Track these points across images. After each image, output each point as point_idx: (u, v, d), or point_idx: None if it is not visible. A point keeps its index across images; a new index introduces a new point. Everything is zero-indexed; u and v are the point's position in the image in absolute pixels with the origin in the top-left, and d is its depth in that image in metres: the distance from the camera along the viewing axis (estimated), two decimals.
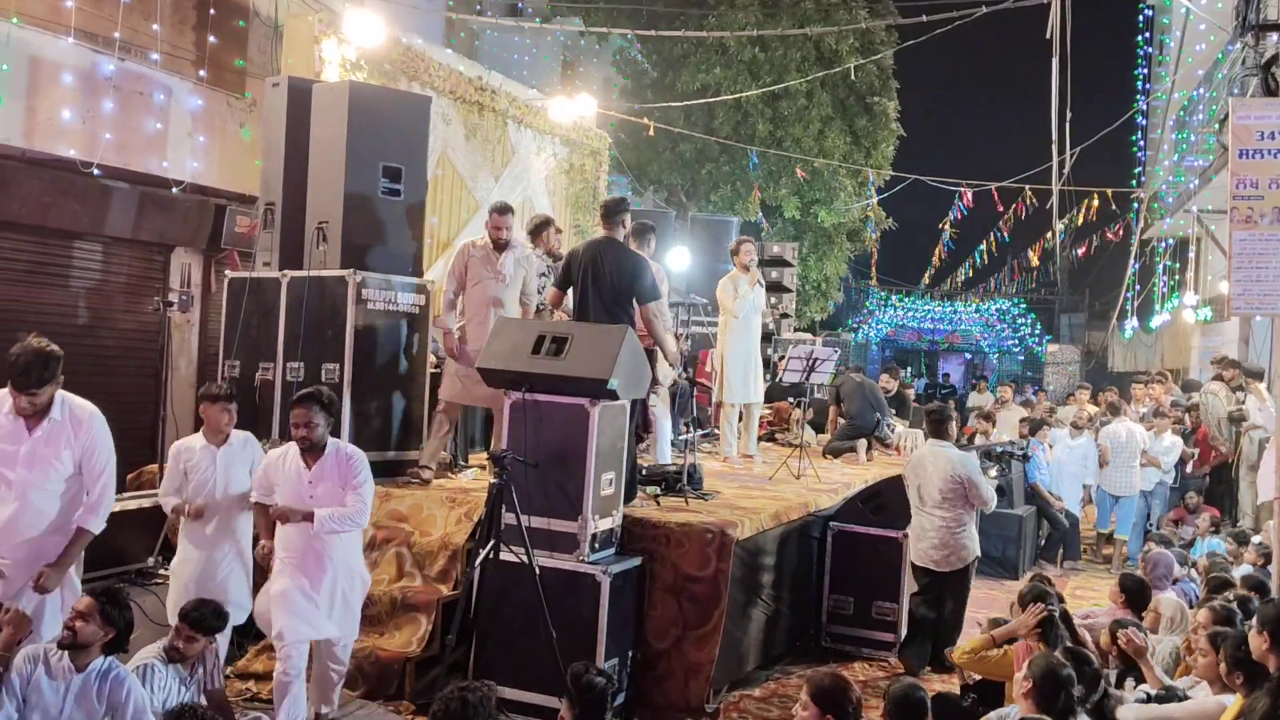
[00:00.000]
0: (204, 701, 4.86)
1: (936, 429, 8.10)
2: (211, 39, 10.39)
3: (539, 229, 8.71)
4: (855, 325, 35.90)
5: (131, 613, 4.76)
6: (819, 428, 11.96)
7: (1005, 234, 21.36)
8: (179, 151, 9.84)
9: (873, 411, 10.83)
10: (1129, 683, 5.62)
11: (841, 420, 11.07)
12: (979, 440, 12.82)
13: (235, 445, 6.06)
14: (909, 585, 8.15)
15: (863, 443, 10.73)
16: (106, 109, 9.15)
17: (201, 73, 10.25)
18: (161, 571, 6.64)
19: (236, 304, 7.83)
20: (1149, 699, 5.28)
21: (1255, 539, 9.39)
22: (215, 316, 9.66)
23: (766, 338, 11.48)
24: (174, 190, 9.79)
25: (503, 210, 7.70)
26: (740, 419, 9.98)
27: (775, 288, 13.26)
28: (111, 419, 5.42)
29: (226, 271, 8.43)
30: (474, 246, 7.67)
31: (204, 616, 5.02)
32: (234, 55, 10.59)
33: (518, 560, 5.92)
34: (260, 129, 8.96)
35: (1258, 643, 4.33)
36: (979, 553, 7.99)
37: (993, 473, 10.63)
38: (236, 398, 6.19)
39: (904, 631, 8.10)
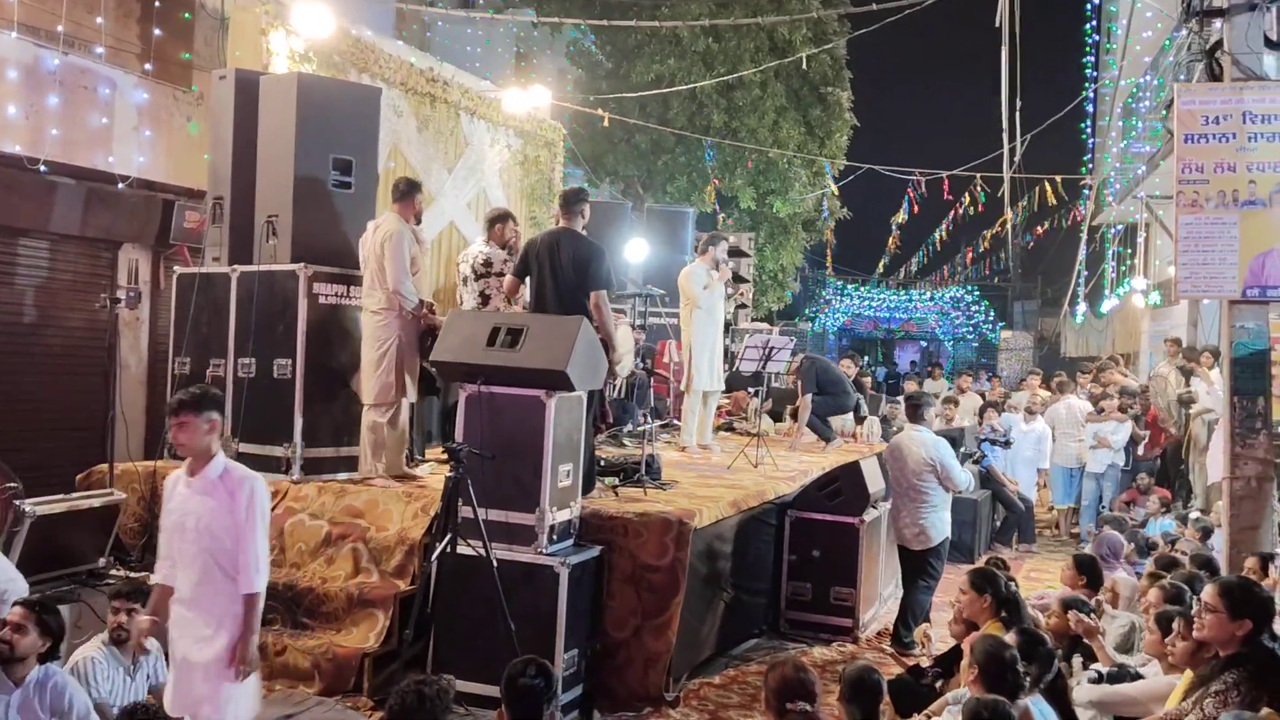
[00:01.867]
0: (150, 699, 4.79)
1: (913, 414, 8.32)
2: (156, 32, 10.21)
3: (495, 222, 8.63)
4: (812, 315, 36.06)
5: (62, 619, 4.68)
6: (777, 416, 12.00)
7: (958, 221, 21.55)
8: (125, 146, 9.68)
9: (851, 394, 10.99)
10: (1076, 658, 5.70)
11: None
12: (937, 425, 12.94)
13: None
14: (871, 570, 8.28)
15: (845, 419, 10.91)
16: (51, 104, 8.98)
17: (147, 66, 10.08)
18: (113, 572, 6.55)
19: (186, 300, 7.73)
20: (1101, 678, 5.36)
21: (1193, 515, 9.57)
22: (165, 313, 9.51)
23: (725, 328, 11.48)
24: (120, 186, 9.63)
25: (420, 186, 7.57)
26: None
27: (733, 278, 13.27)
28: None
29: (175, 267, 8.31)
30: (406, 233, 7.20)
31: (137, 590, 5.00)
32: (180, 48, 10.42)
33: (475, 553, 5.89)
34: (207, 122, 8.84)
35: (1212, 620, 4.38)
36: (948, 534, 8.16)
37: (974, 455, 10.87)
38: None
39: (864, 616, 8.20)
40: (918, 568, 7.98)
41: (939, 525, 7.98)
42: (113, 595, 5.06)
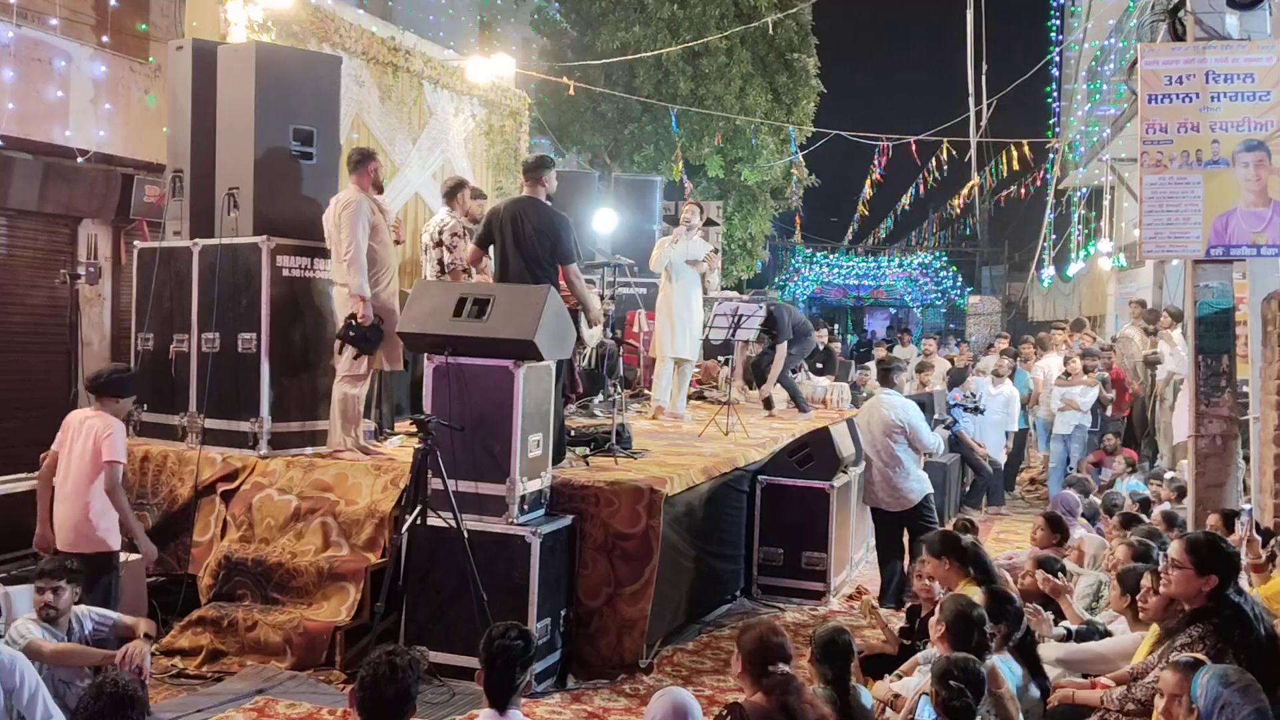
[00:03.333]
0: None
1: (884, 378, 8.52)
2: (112, 3, 10.03)
3: (454, 191, 8.53)
4: (782, 283, 36.10)
5: None
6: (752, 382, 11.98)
7: (925, 187, 21.58)
8: (83, 120, 9.53)
9: (812, 339, 11.06)
10: (1048, 615, 5.75)
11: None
12: (911, 390, 13.00)
13: None
14: (842, 534, 8.34)
15: (815, 386, 11.00)
16: (6, 78, 8.82)
17: (103, 38, 9.92)
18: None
19: (147, 275, 7.62)
20: (1069, 635, 5.41)
21: (1168, 474, 9.65)
22: (127, 289, 9.40)
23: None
24: (79, 160, 9.48)
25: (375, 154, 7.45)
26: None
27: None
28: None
29: (136, 242, 8.19)
30: (364, 202, 7.05)
31: (59, 568, 5.02)
32: (136, 19, 10.25)
33: (446, 525, 5.87)
34: (166, 95, 8.70)
35: (1179, 576, 4.41)
36: (929, 490, 8.30)
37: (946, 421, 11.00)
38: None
39: (835, 580, 8.25)
40: (915, 527, 8.03)
41: (916, 485, 8.14)
42: (36, 576, 5.03)
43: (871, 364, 14.80)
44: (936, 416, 10.03)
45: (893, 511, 8.21)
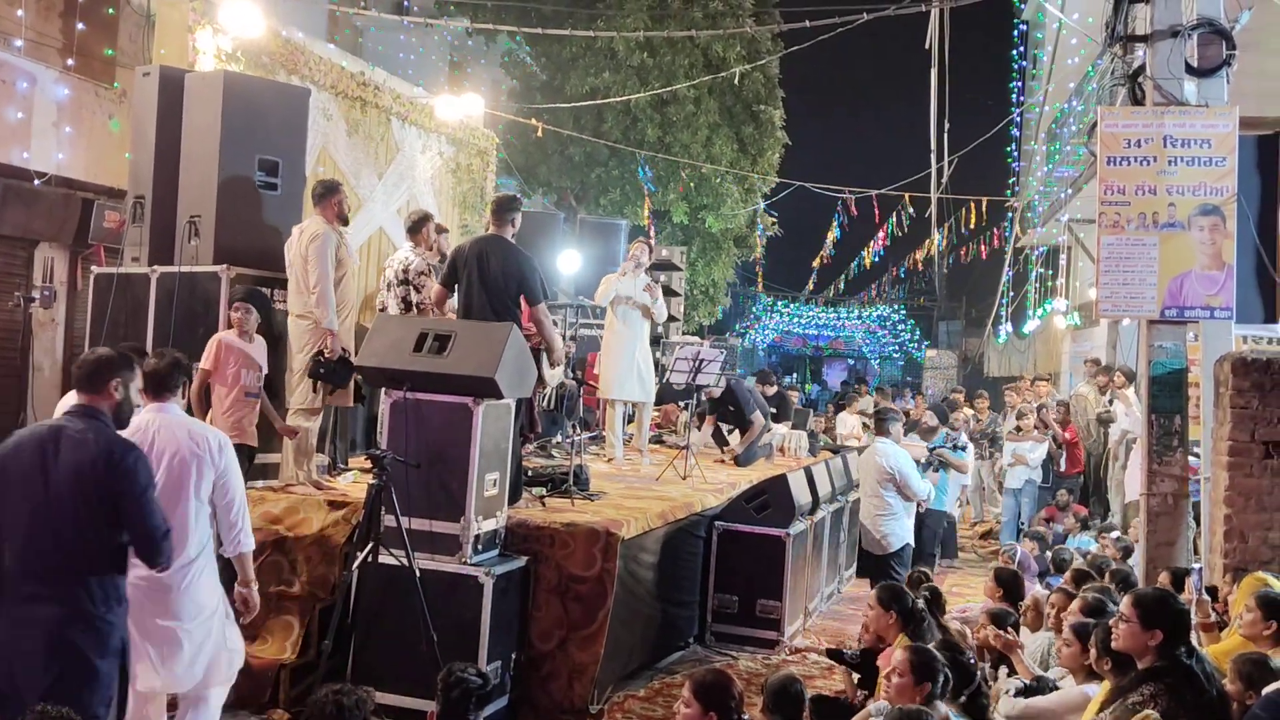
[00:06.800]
0: None
1: (879, 426, 8.87)
2: (80, 26, 10.00)
3: (418, 225, 8.46)
4: (743, 330, 36.27)
5: None
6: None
7: (885, 243, 21.84)
8: (44, 142, 9.44)
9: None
10: (1003, 670, 5.75)
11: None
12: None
13: None
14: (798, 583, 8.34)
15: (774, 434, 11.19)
16: None
17: (69, 61, 9.85)
18: None
19: (103, 301, 7.53)
20: (1020, 690, 5.40)
21: (1113, 534, 9.74)
22: (81, 315, 9.27)
23: (655, 341, 11.41)
24: (37, 183, 9.38)
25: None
26: (632, 420, 9.97)
27: (665, 291, 13.25)
28: None
29: (93, 267, 8.10)
30: (331, 235, 7.01)
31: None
32: (103, 44, 10.20)
33: (398, 563, 5.79)
34: (130, 120, 8.64)
35: (1125, 630, 4.42)
36: (909, 540, 8.65)
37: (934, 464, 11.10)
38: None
39: (789, 629, 8.22)
40: (881, 572, 8.32)
41: (899, 532, 8.49)
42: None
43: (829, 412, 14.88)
44: (922, 462, 10.10)
45: (875, 555, 8.59)
